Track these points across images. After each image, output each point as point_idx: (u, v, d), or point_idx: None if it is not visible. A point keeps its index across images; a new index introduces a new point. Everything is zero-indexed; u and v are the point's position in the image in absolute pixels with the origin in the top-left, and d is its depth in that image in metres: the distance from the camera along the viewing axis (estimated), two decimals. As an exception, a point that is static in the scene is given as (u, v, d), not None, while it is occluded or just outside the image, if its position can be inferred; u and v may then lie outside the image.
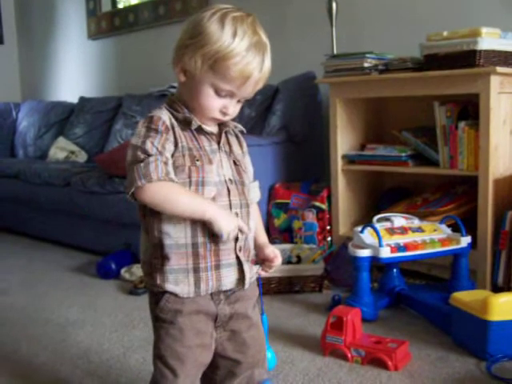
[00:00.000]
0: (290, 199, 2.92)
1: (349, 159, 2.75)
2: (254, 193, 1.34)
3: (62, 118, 4.69)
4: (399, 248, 2.11)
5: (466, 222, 2.25)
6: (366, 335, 1.90)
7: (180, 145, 1.18)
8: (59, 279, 2.89)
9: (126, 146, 3.02)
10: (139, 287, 2.57)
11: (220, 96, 1.19)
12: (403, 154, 2.57)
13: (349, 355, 1.83)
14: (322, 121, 3.19)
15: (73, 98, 4.81)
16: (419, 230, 2.22)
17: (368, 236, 2.16)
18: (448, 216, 2.33)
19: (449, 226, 2.29)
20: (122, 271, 2.76)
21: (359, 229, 2.19)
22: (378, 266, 2.37)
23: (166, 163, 1.14)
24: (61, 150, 4.32)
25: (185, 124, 1.20)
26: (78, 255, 3.32)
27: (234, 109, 1.22)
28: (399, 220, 2.25)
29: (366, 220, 2.56)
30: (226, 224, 1.15)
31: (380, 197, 2.90)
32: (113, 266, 2.84)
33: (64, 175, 3.44)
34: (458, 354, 1.85)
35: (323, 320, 1.95)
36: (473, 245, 2.26)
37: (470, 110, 2.41)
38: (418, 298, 2.21)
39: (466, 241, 2.19)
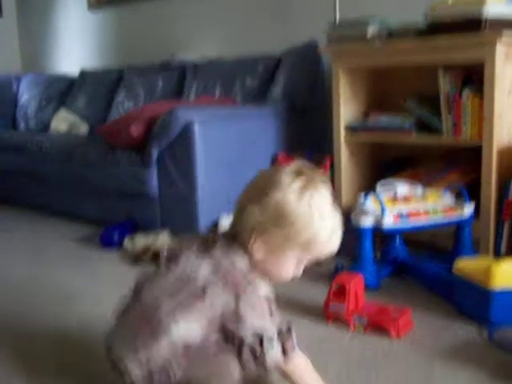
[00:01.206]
0: (292, 169, 2.90)
1: (352, 129, 2.73)
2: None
3: (63, 91, 4.66)
4: (402, 217, 2.10)
5: (470, 192, 2.24)
6: (368, 303, 1.91)
7: None
8: (62, 250, 2.90)
9: (128, 117, 3.01)
10: (142, 257, 2.58)
11: (299, 265, 1.28)
12: (406, 123, 2.55)
13: (351, 323, 1.84)
14: (325, 90, 3.17)
15: (74, 70, 4.78)
16: (422, 198, 2.21)
17: (371, 204, 2.15)
18: (452, 185, 2.32)
19: (452, 194, 2.28)
20: (125, 241, 2.76)
21: (362, 197, 2.18)
22: (381, 236, 2.37)
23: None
24: (63, 121, 4.31)
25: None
26: (81, 226, 3.33)
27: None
28: (402, 187, 2.23)
29: (369, 190, 2.55)
30: None
31: (383, 166, 2.88)
32: (115, 236, 2.85)
33: (66, 147, 3.43)
34: (460, 322, 1.86)
35: (326, 288, 1.95)
36: (476, 214, 2.25)
37: (475, 79, 2.38)
38: (421, 268, 2.21)
39: (469, 210, 2.19)
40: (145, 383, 1.23)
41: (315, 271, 2.37)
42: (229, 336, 1.22)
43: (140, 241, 2.72)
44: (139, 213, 3.00)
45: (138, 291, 1.33)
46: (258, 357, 1.22)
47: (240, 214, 1.23)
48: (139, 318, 1.27)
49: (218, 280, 1.21)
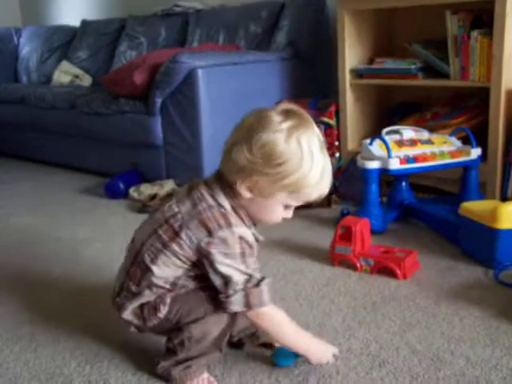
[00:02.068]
0: (297, 116, 2.87)
1: (357, 73, 2.69)
2: None
3: (64, 42, 4.59)
4: (408, 160, 2.09)
5: (477, 135, 2.21)
6: (374, 245, 1.91)
7: None
8: (68, 201, 2.91)
9: (131, 65, 2.97)
10: (148, 205, 2.58)
11: (287, 208, 1.24)
12: (413, 67, 2.51)
13: (358, 265, 1.85)
14: (330, 36, 3.11)
15: (75, 21, 4.69)
16: (429, 142, 2.19)
17: (377, 148, 2.13)
18: (458, 128, 2.29)
19: (459, 139, 2.26)
20: (131, 191, 2.76)
21: (368, 141, 2.16)
22: (387, 180, 2.36)
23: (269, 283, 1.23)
24: (65, 73, 4.26)
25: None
26: (86, 177, 3.33)
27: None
28: (408, 132, 2.21)
29: (374, 135, 2.53)
30: (323, 358, 1.30)
31: (389, 111, 2.85)
32: (121, 185, 2.85)
33: (69, 98, 3.40)
34: (466, 263, 1.87)
35: (332, 233, 1.95)
36: (483, 158, 2.23)
37: (484, 19, 2.32)
38: (427, 211, 2.20)
39: (476, 153, 2.17)
40: (135, 317, 1.30)
41: (321, 217, 2.37)
42: (204, 273, 1.22)
43: (146, 190, 2.72)
44: (144, 162, 2.99)
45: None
46: (222, 299, 1.21)
47: (228, 154, 1.19)
48: (131, 258, 1.31)
49: (194, 217, 1.20)
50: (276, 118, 1.15)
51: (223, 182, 1.22)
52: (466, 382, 1.25)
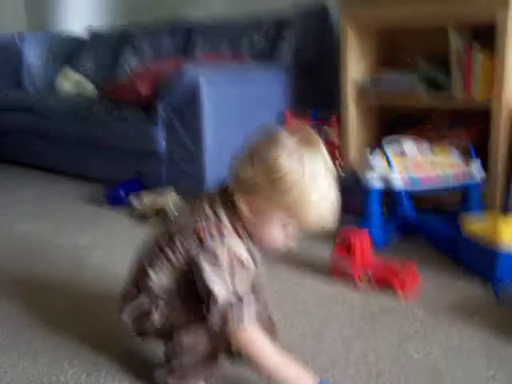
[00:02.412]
0: (299, 126, 2.89)
1: (359, 86, 2.71)
2: None
3: (69, 49, 4.61)
4: (413, 183, 2.11)
5: (478, 147, 2.22)
6: (374, 258, 1.91)
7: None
8: (70, 208, 2.92)
9: (135, 76, 2.99)
10: (149, 214, 2.59)
11: (287, 232, 1.20)
12: (415, 81, 2.52)
13: (357, 276, 1.85)
14: (333, 46, 3.12)
15: (80, 28, 4.72)
16: (430, 155, 2.20)
17: (378, 160, 2.14)
18: (458, 141, 2.31)
19: (459, 150, 2.26)
20: (132, 199, 2.77)
21: (369, 152, 2.17)
22: (388, 193, 2.37)
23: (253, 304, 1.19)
24: (68, 81, 4.28)
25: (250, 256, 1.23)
26: (88, 185, 3.34)
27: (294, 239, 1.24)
28: (408, 144, 2.22)
29: (375, 146, 2.54)
30: None
31: (390, 124, 2.86)
32: (122, 193, 2.86)
33: (72, 105, 3.42)
34: (465, 280, 1.86)
35: (331, 244, 1.96)
36: (483, 168, 2.24)
37: (486, 36, 2.34)
38: (427, 225, 2.20)
39: (475, 166, 2.17)
40: (130, 319, 1.32)
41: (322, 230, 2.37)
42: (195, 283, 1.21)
43: (146, 198, 2.73)
44: (146, 171, 3.00)
45: None
46: (204, 311, 1.18)
47: (233, 170, 1.20)
48: (136, 261, 1.34)
49: (190, 226, 1.20)
50: (285, 137, 1.15)
51: (226, 195, 1.22)
52: (463, 393, 1.26)
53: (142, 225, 2.55)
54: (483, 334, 1.51)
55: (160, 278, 1.26)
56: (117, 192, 2.88)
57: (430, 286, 1.83)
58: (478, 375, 1.33)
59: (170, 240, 1.23)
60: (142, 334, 1.35)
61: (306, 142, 1.15)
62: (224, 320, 1.17)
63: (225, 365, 1.36)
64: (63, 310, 1.75)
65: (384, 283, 1.80)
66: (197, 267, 1.18)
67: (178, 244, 1.21)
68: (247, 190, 1.16)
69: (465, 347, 1.45)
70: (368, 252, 1.90)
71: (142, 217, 2.62)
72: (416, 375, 1.33)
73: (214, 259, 1.16)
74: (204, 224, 1.19)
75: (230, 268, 1.17)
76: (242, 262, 1.18)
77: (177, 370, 1.28)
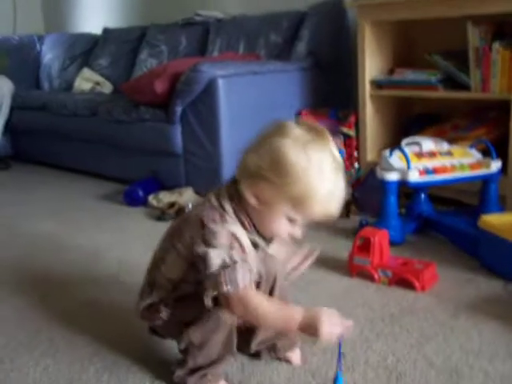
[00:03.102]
0: (316, 126, 2.88)
1: (377, 84, 2.69)
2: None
3: (86, 50, 4.64)
4: (428, 171, 2.08)
5: (497, 148, 2.20)
6: (393, 257, 1.91)
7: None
8: (88, 207, 2.94)
9: (152, 73, 2.99)
10: (166, 213, 2.60)
11: (292, 223, 1.19)
12: (433, 78, 2.51)
13: (376, 276, 1.84)
14: (350, 46, 3.11)
15: (97, 29, 4.75)
16: (448, 153, 2.18)
17: (396, 159, 2.13)
18: (478, 140, 2.28)
19: (479, 151, 2.25)
20: (150, 198, 2.78)
21: (387, 152, 2.16)
22: (406, 192, 2.35)
23: (250, 271, 1.17)
24: (86, 81, 4.31)
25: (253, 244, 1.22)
26: (106, 184, 3.36)
27: (300, 230, 1.23)
28: (428, 144, 2.21)
29: (394, 146, 2.53)
30: (326, 331, 1.16)
31: (409, 123, 2.84)
32: (140, 193, 2.87)
33: (90, 105, 3.44)
34: (485, 277, 1.85)
35: (350, 244, 1.95)
36: (503, 170, 2.22)
37: (506, 31, 2.32)
38: (446, 223, 2.19)
39: (496, 165, 2.16)
40: (145, 315, 1.34)
41: (339, 227, 2.37)
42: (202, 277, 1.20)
43: (165, 198, 2.74)
44: (163, 170, 3.01)
45: None
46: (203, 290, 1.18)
47: (241, 160, 1.20)
48: (152, 258, 1.36)
49: (195, 215, 1.20)
50: (293, 128, 1.16)
51: (233, 187, 1.22)
52: (485, 396, 1.25)
53: (161, 224, 2.55)
54: (505, 336, 1.49)
55: (170, 272, 1.27)
56: (135, 191, 2.89)
57: (449, 285, 1.82)
58: (500, 379, 1.31)
59: (180, 233, 1.24)
60: (155, 331, 1.37)
61: (313, 134, 1.15)
62: (217, 285, 1.14)
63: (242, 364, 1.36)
64: (81, 309, 1.76)
65: (403, 282, 1.79)
66: (197, 245, 1.17)
67: (187, 236, 1.21)
68: (253, 179, 1.16)
69: (486, 350, 1.43)
70: (387, 251, 1.89)
71: (161, 216, 2.62)
72: (436, 380, 1.32)
73: (215, 237, 1.15)
74: (208, 213, 1.19)
75: (229, 247, 1.16)
76: (241, 246, 1.17)
77: (195, 371, 1.28)
